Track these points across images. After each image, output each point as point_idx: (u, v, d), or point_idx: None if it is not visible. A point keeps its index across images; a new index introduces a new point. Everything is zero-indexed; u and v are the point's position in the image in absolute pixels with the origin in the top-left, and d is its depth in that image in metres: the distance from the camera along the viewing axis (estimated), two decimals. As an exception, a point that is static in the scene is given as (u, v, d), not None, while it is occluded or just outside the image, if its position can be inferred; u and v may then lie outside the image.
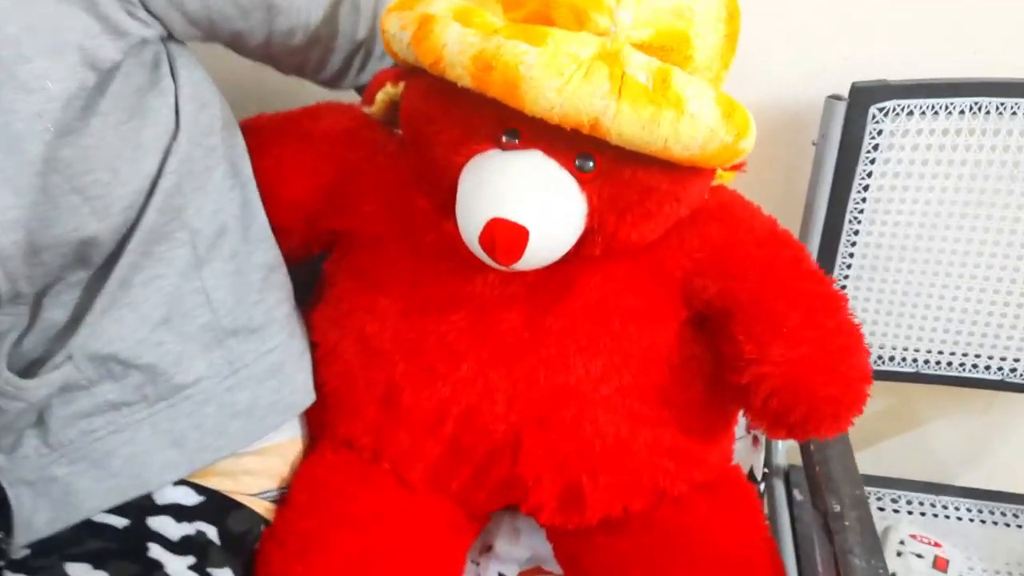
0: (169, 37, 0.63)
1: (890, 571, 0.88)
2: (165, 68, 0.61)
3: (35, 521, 0.66)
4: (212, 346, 0.68)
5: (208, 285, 0.67)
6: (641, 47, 0.58)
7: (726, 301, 0.67)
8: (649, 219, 0.65)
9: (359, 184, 0.74)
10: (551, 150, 0.60)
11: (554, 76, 0.55)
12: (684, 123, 0.56)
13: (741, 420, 0.89)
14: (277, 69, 0.75)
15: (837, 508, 0.74)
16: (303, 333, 0.76)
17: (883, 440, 1.23)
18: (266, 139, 0.73)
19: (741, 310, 0.66)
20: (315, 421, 0.76)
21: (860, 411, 0.65)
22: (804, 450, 0.84)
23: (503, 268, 0.62)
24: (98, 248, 0.60)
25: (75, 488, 0.66)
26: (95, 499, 0.66)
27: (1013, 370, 0.98)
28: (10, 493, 0.66)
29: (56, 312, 0.62)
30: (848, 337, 0.66)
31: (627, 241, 0.65)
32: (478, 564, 0.80)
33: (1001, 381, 0.99)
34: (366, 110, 0.72)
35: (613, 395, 0.68)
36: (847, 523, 0.73)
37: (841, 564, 0.70)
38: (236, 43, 0.68)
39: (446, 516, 0.74)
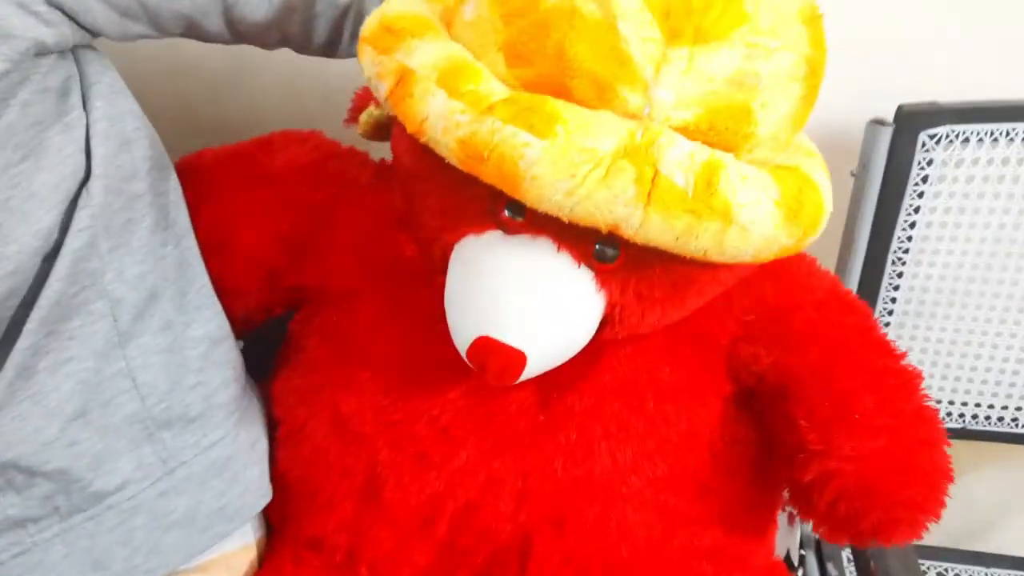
0: (82, 47, 0.50)
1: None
2: (76, 98, 0.49)
3: None
4: (141, 442, 0.56)
5: (134, 366, 0.55)
6: (685, 131, 0.45)
7: (782, 377, 0.56)
8: (682, 307, 0.53)
9: (328, 229, 0.62)
10: (563, 239, 0.48)
11: (563, 178, 0.43)
12: (731, 234, 0.45)
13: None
14: (260, 47, 0.62)
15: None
16: (257, 418, 0.63)
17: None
18: (211, 180, 0.61)
19: (801, 389, 0.55)
20: (276, 515, 0.63)
21: (939, 516, 0.53)
22: (857, 559, 0.72)
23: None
24: None
25: None
26: None
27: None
28: None
29: None
30: (929, 427, 0.55)
31: (655, 327, 0.54)
32: None
33: (1057, 438, 0.89)
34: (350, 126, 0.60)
35: (645, 489, 0.56)
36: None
37: None
38: (191, 30, 0.56)
39: None
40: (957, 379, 0.88)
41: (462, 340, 0.49)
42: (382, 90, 0.48)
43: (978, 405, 0.89)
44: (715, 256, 0.46)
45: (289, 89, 0.79)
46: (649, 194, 0.43)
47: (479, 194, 0.47)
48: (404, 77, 0.47)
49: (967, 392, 0.89)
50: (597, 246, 0.48)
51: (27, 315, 0.49)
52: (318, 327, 0.62)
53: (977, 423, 0.90)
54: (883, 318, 0.85)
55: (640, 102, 0.44)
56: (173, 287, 0.56)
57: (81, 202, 0.49)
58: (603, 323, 0.52)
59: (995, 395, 0.88)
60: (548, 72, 0.45)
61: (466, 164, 0.45)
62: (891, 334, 0.86)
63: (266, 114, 0.67)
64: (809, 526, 0.58)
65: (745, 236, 0.45)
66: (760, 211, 0.45)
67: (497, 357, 0.48)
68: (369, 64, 0.49)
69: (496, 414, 0.56)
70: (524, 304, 0.48)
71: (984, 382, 0.88)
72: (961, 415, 0.90)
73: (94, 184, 0.50)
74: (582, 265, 0.49)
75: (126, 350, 0.54)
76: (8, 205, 0.46)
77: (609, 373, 0.57)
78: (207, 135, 0.66)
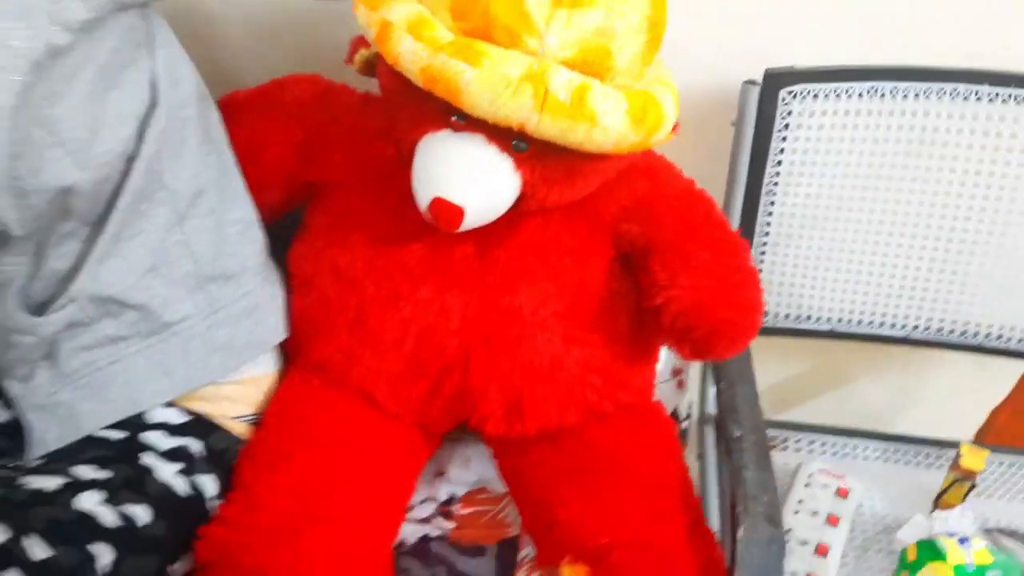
0: (146, 6, 0.73)
1: (798, 499, 1.00)
2: (145, 48, 0.72)
3: (47, 439, 0.78)
4: (194, 290, 0.80)
5: (189, 239, 0.78)
6: (567, 63, 0.69)
7: (646, 242, 0.81)
8: (574, 188, 0.78)
9: (328, 141, 0.86)
10: (492, 135, 0.72)
11: (487, 91, 0.67)
12: (596, 132, 0.69)
13: (667, 364, 1.01)
14: None
15: (738, 434, 0.86)
16: (277, 279, 0.88)
17: (815, 396, 1.35)
18: (242, 110, 0.86)
19: (657, 249, 0.80)
20: (292, 347, 0.87)
21: (752, 335, 0.78)
22: (718, 390, 0.96)
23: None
24: (80, 198, 0.70)
25: (79, 410, 0.78)
26: (95, 419, 0.78)
27: (916, 327, 1.10)
28: (25, 418, 0.78)
29: (57, 262, 0.74)
30: (746, 274, 0.80)
31: (558, 203, 0.79)
32: (431, 486, 0.92)
33: (907, 338, 1.11)
34: (349, 66, 0.85)
35: (549, 318, 0.81)
36: (745, 445, 0.85)
37: (735, 478, 0.82)
38: None
39: (402, 439, 0.86)
40: (823, 289, 1.09)
41: (422, 201, 0.73)
42: (370, 35, 0.71)
43: (842, 311, 1.11)
44: (588, 147, 0.70)
45: (301, 38, 1.04)
46: (543, 104, 0.67)
47: (435, 106, 0.70)
48: (385, 27, 0.69)
49: (832, 300, 1.10)
50: (514, 141, 0.72)
51: (116, 199, 0.72)
52: (322, 208, 0.87)
53: (842, 325, 1.12)
54: (761, 239, 1.07)
55: (536, 45, 0.68)
56: (215, 185, 0.80)
57: (152, 123, 0.72)
58: (520, 198, 0.76)
59: (853, 302, 1.10)
60: (478, 24, 0.68)
61: (426, 84, 0.68)
62: (768, 252, 1.09)
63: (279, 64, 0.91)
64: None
65: (605, 133, 0.69)
66: (615, 117, 0.69)
67: (445, 211, 0.71)
68: (362, 16, 0.72)
69: (447, 261, 0.81)
70: (464, 176, 0.72)
71: (844, 292, 1.09)
72: (829, 319, 1.11)
73: (159, 110, 0.73)
74: (504, 153, 0.73)
75: (183, 227, 0.77)
76: (101, 119, 0.69)
77: (526, 235, 0.81)
78: (234, 84, 0.90)
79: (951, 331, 1.10)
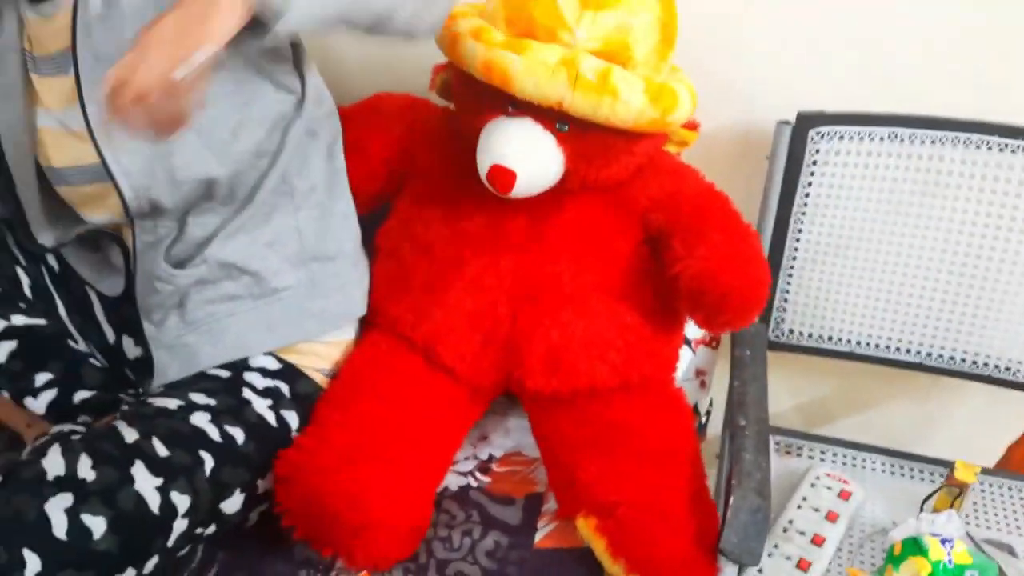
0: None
1: (802, 495, 1.12)
2: (294, 72, 0.93)
3: (168, 372, 0.97)
4: (299, 266, 0.98)
5: (301, 225, 0.97)
6: (595, 53, 0.88)
7: (669, 226, 0.98)
8: (609, 166, 0.96)
9: (416, 139, 1.07)
10: (538, 118, 0.91)
11: (531, 75, 0.86)
12: (619, 105, 0.87)
13: (691, 364, 1.14)
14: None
15: (742, 423, 0.99)
16: (365, 264, 1.06)
17: (842, 417, 1.45)
18: (351, 118, 1.06)
19: (678, 231, 0.97)
20: (372, 307, 1.06)
21: (758, 307, 0.95)
22: (730, 388, 1.08)
23: (505, 196, 0.93)
24: (219, 186, 0.90)
25: (199, 352, 0.97)
26: (210, 359, 0.97)
27: (929, 355, 1.20)
28: (154, 354, 0.97)
29: (197, 230, 0.93)
30: (753, 254, 0.97)
31: (596, 180, 0.96)
32: (475, 447, 1.07)
33: (920, 364, 1.21)
34: (432, 91, 1.08)
35: (586, 286, 0.98)
36: (747, 433, 0.97)
37: (735, 458, 0.94)
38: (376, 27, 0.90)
39: (454, 399, 1.02)
40: (844, 312, 1.21)
41: (483, 169, 0.92)
42: (444, 44, 0.93)
43: (860, 334, 1.22)
44: (615, 121, 0.88)
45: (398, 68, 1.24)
46: (575, 83, 0.86)
47: (493, 99, 0.91)
48: (455, 36, 0.92)
49: (852, 323, 1.21)
50: (557, 124, 0.91)
51: (255, 192, 0.91)
52: (407, 193, 1.07)
53: (861, 348, 1.22)
54: (789, 262, 1.20)
55: (569, 39, 0.89)
56: (325, 185, 0.99)
57: (291, 131, 0.92)
58: (565, 175, 0.95)
59: (872, 327, 1.21)
60: (524, 27, 0.90)
61: (484, 75, 0.89)
62: (795, 275, 1.21)
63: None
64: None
65: (627, 107, 0.87)
66: (633, 94, 0.87)
67: (501, 174, 0.90)
68: (442, 33, 0.93)
69: (503, 232, 1.00)
70: (515, 147, 0.91)
71: (863, 316, 1.20)
72: (849, 341, 1.22)
73: (299, 123, 0.92)
74: (548, 131, 0.92)
75: (297, 216, 0.96)
76: (242, 124, 0.88)
77: (570, 214, 0.99)
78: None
79: (963, 360, 1.19)
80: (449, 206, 1.02)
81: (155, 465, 0.84)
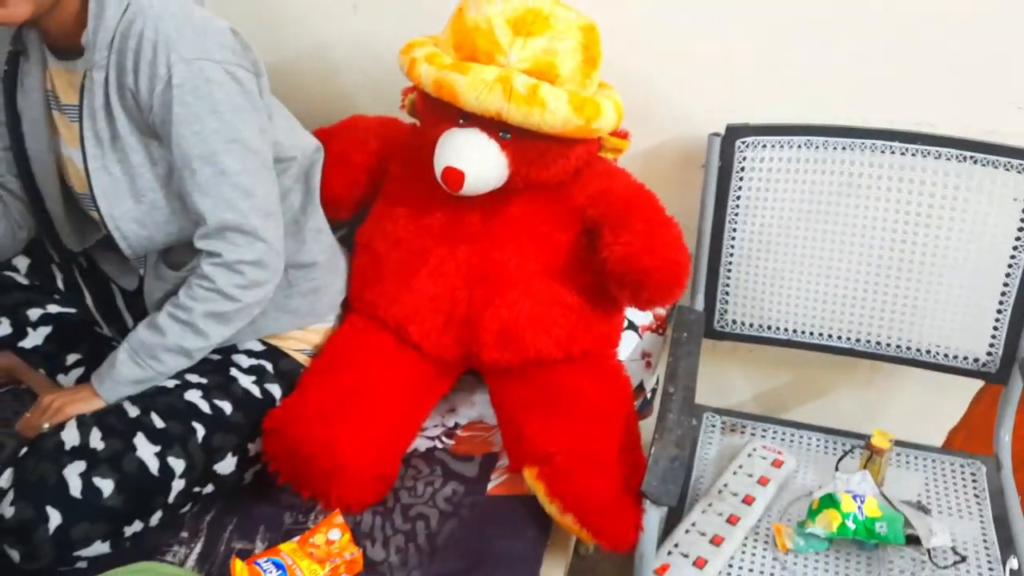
0: None
1: (738, 464, 1.25)
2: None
3: None
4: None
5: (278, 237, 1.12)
6: (526, 72, 1.05)
7: (602, 219, 1.14)
8: (548, 168, 1.12)
9: (390, 150, 1.26)
10: (483, 127, 1.09)
11: (473, 90, 1.03)
12: (547, 114, 1.04)
13: (637, 347, 1.29)
14: None
15: (671, 390, 1.13)
16: (340, 270, 1.23)
17: (796, 405, 1.58)
18: (333, 135, 1.26)
19: (608, 222, 1.13)
20: (352, 293, 1.23)
21: (678, 287, 1.10)
22: (667, 364, 1.22)
23: (455, 194, 1.10)
24: None
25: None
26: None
27: (858, 340, 1.33)
28: None
29: (189, 247, 1.09)
30: (672, 238, 1.13)
31: (537, 180, 1.13)
32: (443, 417, 1.23)
33: (851, 350, 1.34)
34: (403, 109, 1.25)
35: (530, 271, 1.14)
36: (674, 397, 1.11)
37: (661, 418, 1.08)
38: None
39: (423, 372, 1.18)
40: (779, 303, 1.34)
41: (437, 170, 1.10)
42: (404, 70, 1.11)
43: (795, 323, 1.35)
44: (546, 128, 1.05)
45: (365, 87, 1.45)
46: (509, 96, 1.03)
47: (447, 113, 1.09)
48: (412, 62, 1.10)
49: (787, 313, 1.35)
50: (500, 132, 1.08)
51: None
52: (381, 196, 1.25)
53: (796, 336, 1.36)
54: (727, 258, 1.34)
55: (504, 60, 1.06)
56: (300, 204, 1.16)
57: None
58: (509, 178, 1.12)
59: (803, 315, 1.34)
60: (468, 52, 1.08)
61: (436, 92, 1.07)
62: (733, 270, 1.35)
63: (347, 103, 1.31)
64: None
65: (554, 116, 1.04)
66: (559, 104, 1.05)
67: (451, 175, 1.08)
68: (401, 59, 1.13)
69: (459, 226, 1.17)
70: (463, 151, 1.08)
71: (796, 306, 1.34)
72: (784, 329, 1.36)
73: (295, 165, 1.13)
74: (492, 139, 1.09)
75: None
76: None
77: (516, 209, 1.16)
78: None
79: (897, 347, 1.31)
80: (415, 205, 1.19)
81: (154, 435, 1.01)
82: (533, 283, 1.14)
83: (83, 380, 1.18)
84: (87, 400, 1.04)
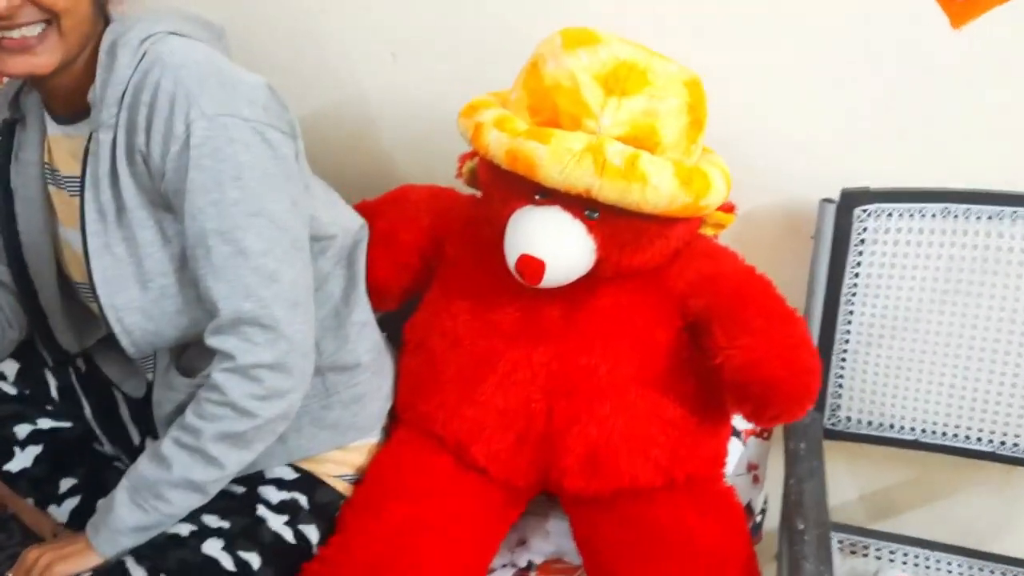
0: None
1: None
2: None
3: None
4: (315, 376, 0.92)
5: (317, 335, 0.91)
6: (621, 139, 0.85)
7: (709, 313, 0.92)
8: (643, 252, 0.91)
9: (445, 227, 1.05)
10: (566, 205, 0.88)
11: (556, 163, 0.84)
12: (649, 191, 0.83)
13: (742, 458, 1.07)
14: None
15: (801, 527, 0.91)
16: (387, 372, 1.02)
17: (908, 509, 1.35)
18: (378, 210, 1.06)
19: (719, 317, 0.91)
20: (402, 402, 1.02)
21: (809, 398, 0.88)
22: (785, 485, 1.01)
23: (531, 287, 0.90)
24: None
25: None
26: None
27: (1003, 443, 1.11)
28: None
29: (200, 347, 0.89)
30: (799, 340, 0.90)
31: (630, 267, 0.92)
32: (513, 553, 1.01)
33: (993, 453, 1.12)
34: (460, 179, 1.06)
35: (623, 377, 0.93)
36: (806, 538, 0.89)
37: (793, 567, 0.86)
38: None
39: (489, 500, 0.96)
40: (904, 398, 1.13)
41: (511, 259, 0.89)
42: (467, 136, 0.92)
43: (924, 422, 1.13)
44: (645, 207, 0.84)
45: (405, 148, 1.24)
46: (602, 170, 0.83)
47: (520, 188, 0.89)
48: (478, 127, 0.90)
49: (915, 410, 1.13)
50: (586, 211, 0.88)
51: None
52: (436, 284, 1.04)
53: (926, 436, 1.13)
54: (841, 345, 1.13)
55: (594, 126, 0.86)
56: (342, 291, 0.97)
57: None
58: (597, 263, 0.91)
59: (936, 413, 1.12)
60: (549, 116, 0.88)
61: (509, 164, 0.86)
62: (848, 359, 1.14)
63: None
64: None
65: (657, 192, 0.83)
66: (663, 179, 0.84)
67: (529, 264, 0.87)
68: (462, 125, 0.93)
69: (536, 322, 0.95)
70: (543, 236, 0.88)
71: (927, 402, 1.12)
72: (912, 428, 1.13)
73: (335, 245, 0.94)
74: (577, 219, 0.88)
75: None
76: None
77: (605, 301, 0.95)
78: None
79: (1040, 449, 1.10)
80: (479, 297, 0.98)
81: None
82: (628, 394, 0.93)
83: (79, 511, 0.98)
84: (81, 555, 0.83)
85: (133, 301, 0.85)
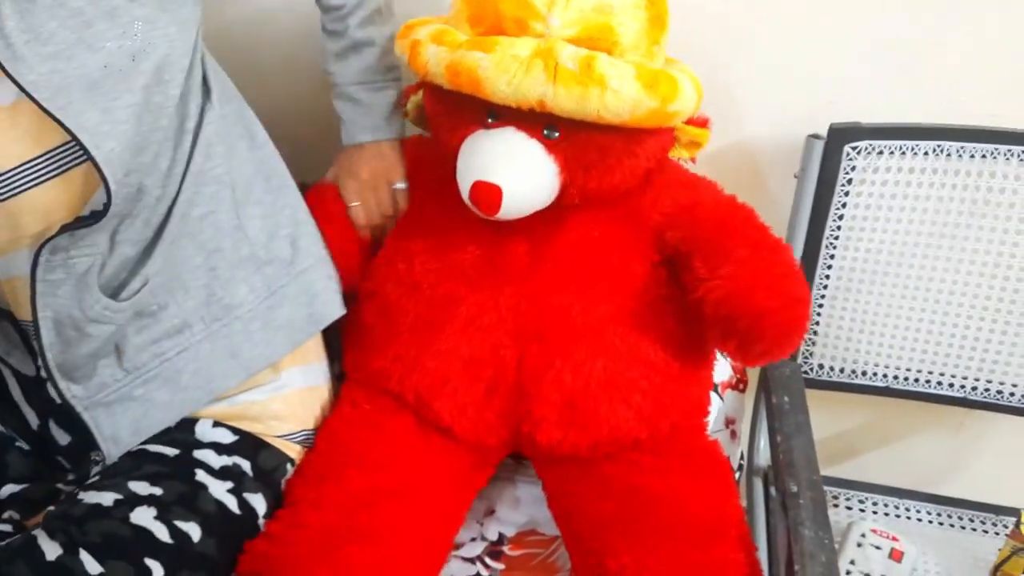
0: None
1: (849, 559, 0.99)
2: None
3: (120, 436, 0.79)
4: (252, 273, 0.82)
5: (244, 224, 0.81)
6: (573, 41, 0.75)
7: (689, 245, 0.83)
8: (612, 172, 0.81)
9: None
10: (522, 125, 0.78)
11: (503, 73, 0.74)
12: (609, 96, 0.73)
13: (720, 413, 1.01)
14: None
15: (795, 489, 0.85)
16: (330, 264, 0.90)
17: (865, 452, 1.33)
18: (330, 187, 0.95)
19: (699, 249, 0.82)
20: (352, 360, 0.91)
21: (801, 330, 0.78)
22: (772, 443, 0.95)
23: (491, 218, 0.78)
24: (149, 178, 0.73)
25: (153, 403, 0.79)
26: (172, 412, 0.80)
27: (974, 388, 1.08)
28: (87, 419, 0.78)
29: (128, 248, 0.75)
30: (787, 268, 0.81)
31: (598, 192, 0.82)
32: (481, 524, 0.92)
33: (964, 399, 1.09)
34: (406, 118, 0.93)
35: (600, 318, 0.82)
36: (801, 501, 0.84)
37: (793, 535, 0.81)
38: None
39: (454, 464, 0.86)
40: (880, 345, 1.08)
41: (464, 190, 0.79)
42: (404, 58, 0.81)
43: (898, 368, 1.09)
44: (608, 116, 0.74)
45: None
46: (555, 76, 0.73)
47: (469, 112, 0.80)
48: (414, 45, 0.80)
49: (889, 356, 1.09)
50: (544, 130, 0.78)
51: (184, 179, 0.75)
52: (394, 230, 0.93)
53: (898, 383, 1.10)
54: (819, 291, 1.07)
55: (542, 28, 0.76)
56: (262, 175, 0.84)
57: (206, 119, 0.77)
58: (562, 190, 0.80)
59: (911, 359, 1.09)
60: (491, 23, 0.78)
61: (451, 81, 0.76)
62: (826, 305, 1.08)
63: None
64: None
65: (619, 97, 0.73)
66: (624, 82, 0.74)
67: (484, 191, 0.77)
68: (399, 46, 0.83)
69: (500, 261, 0.85)
70: (498, 159, 0.78)
71: (903, 349, 1.08)
72: (885, 375, 1.10)
73: (211, 112, 0.77)
74: (534, 139, 0.78)
75: (239, 212, 0.80)
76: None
77: (574, 234, 0.84)
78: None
79: (1011, 394, 1.08)
80: (437, 237, 0.87)
81: None
82: (604, 335, 0.83)
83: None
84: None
85: (99, 127, 0.67)
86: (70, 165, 0.69)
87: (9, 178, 0.68)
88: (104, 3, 0.68)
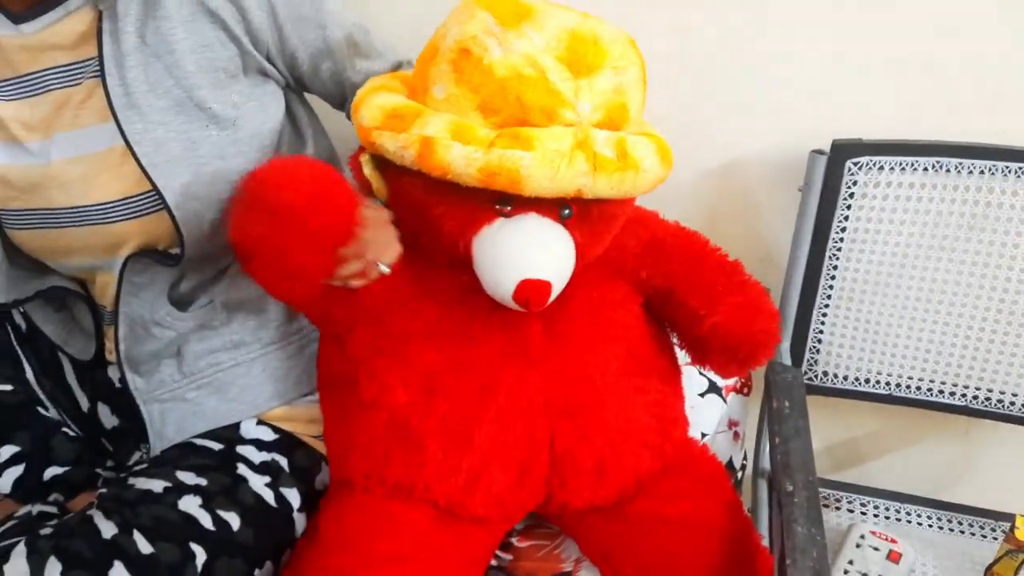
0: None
1: (847, 559, 1.02)
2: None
3: (166, 433, 0.87)
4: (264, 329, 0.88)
5: None
6: (598, 125, 0.74)
7: (666, 280, 0.87)
8: (609, 236, 0.84)
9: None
10: (541, 210, 0.75)
11: (547, 169, 0.70)
12: (640, 177, 0.75)
13: (723, 416, 1.05)
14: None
15: (790, 488, 0.89)
16: None
17: (872, 459, 1.36)
18: None
19: (679, 283, 0.87)
20: (363, 471, 0.83)
21: (778, 340, 0.87)
22: (771, 444, 0.99)
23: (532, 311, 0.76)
24: None
25: (203, 408, 0.87)
26: (217, 418, 0.87)
27: (975, 398, 1.11)
28: (145, 411, 0.87)
29: (208, 267, 0.85)
30: (757, 288, 0.87)
31: (595, 256, 0.84)
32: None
33: (967, 407, 1.12)
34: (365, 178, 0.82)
35: (616, 374, 0.85)
36: (796, 500, 0.88)
37: (786, 531, 0.85)
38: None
39: (475, 543, 0.85)
40: (883, 354, 1.12)
41: (506, 288, 0.73)
42: (409, 156, 0.72)
43: (900, 376, 1.13)
44: (632, 193, 0.77)
45: None
46: (595, 166, 0.72)
47: (480, 202, 0.74)
48: (426, 143, 0.70)
49: (891, 365, 1.12)
50: (564, 211, 0.76)
51: None
52: (359, 328, 0.83)
53: (900, 391, 1.13)
54: (823, 300, 1.11)
55: (572, 116, 0.72)
56: None
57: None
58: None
59: (912, 368, 1.12)
60: (513, 113, 0.71)
61: (484, 182, 0.70)
62: (829, 315, 1.12)
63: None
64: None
65: (646, 176, 0.75)
66: (651, 160, 0.76)
67: (535, 290, 0.73)
68: (391, 141, 0.72)
69: (520, 345, 0.81)
70: (539, 251, 0.74)
71: (904, 358, 1.11)
72: (887, 383, 1.13)
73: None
74: (558, 223, 0.76)
75: None
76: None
77: (576, 300, 0.83)
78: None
79: (1011, 403, 1.10)
80: (445, 334, 0.81)
81: (137, 567, 0.73)
82: (622, 389, 0.84)
83: (23, 482, 0.90)
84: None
85: (187, 187, 0.79)
86: (162, 208, 0.79)
87: (112, 208, 0.80)
88: (210, 75, 0.77)
